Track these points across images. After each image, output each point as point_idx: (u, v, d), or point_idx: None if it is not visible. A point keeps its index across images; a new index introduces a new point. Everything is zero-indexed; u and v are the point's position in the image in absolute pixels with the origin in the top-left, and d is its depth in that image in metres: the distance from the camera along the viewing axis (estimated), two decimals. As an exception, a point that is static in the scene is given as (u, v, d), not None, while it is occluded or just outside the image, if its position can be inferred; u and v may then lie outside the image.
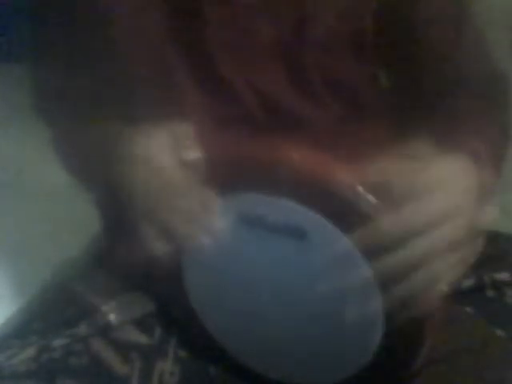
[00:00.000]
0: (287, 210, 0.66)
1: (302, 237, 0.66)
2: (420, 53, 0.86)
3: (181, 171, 0.70)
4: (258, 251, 0.70)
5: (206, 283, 0.74)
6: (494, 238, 0.90)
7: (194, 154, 0.69)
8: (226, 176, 0.68)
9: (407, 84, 0.88)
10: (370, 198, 0.64)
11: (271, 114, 0.85)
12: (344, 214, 0.64)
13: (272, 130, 0.84)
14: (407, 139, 0.81)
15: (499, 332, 0.80)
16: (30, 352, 0.77)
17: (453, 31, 0.86)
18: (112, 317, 0.81)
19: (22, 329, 0.81)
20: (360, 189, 0.64)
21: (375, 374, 0.70)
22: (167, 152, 0.71)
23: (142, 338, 0.81)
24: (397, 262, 0.65)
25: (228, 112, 0.85)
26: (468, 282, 0.85)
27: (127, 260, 0.83)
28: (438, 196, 0.68)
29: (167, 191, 0.72)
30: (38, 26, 0.90)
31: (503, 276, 0.85)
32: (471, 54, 0.87)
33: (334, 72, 0.85)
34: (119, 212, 0.77)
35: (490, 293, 0.84)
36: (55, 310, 0.83)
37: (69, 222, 1.57)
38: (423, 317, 0.67)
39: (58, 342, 0.78)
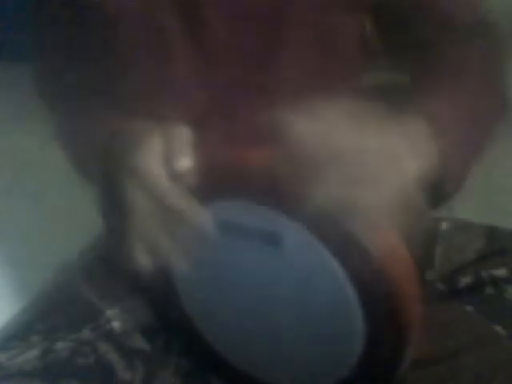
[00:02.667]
0: (262, 216, 0.66)
1: (278, 242, 0.67)
2: (408, 3, 0.84)
3: (170, 184, 0.68)
4: (239, 258, 0.70)
5: (196, 291, 0.75)
6: (491, 234, 0.90)
7: (186, 162, 0.68)
8: (204, 184, 0.68)
9: (392, 34, 0.87)
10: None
11: (249, 73, 0.83)
12: (320, 219, 0.64)
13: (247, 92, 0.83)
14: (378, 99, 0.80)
15: (499, 330, 0.80)
16: (33, 353, 0.77)
17: None
18: (116, 324, 0.81)
19: (25, 329, 0.81)
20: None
21: (362, 378, 0.71)
22: (157, 162, 0.68)
23: (145, 346, 0.81)
24: None
25: (210, 66, 0.83)
26: (466, 280, 0.85)
27: (129, 262, 0.83)
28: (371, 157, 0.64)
29: (152, 203, 0.69)
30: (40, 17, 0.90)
31: (502, 272, 0.85)
32: (458, 3, 0.85)
33: (324, 27, 0.84)
34: (120, 211, 0.77)
35: (489, 290, 0.84)
36: (58, 311, 0.83)
37: (69, 222, 1.58)
38: (404, 317, 0.66)
39: (61, 345, 0.78)
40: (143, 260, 0.70)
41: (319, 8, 0.83)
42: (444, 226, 0.93)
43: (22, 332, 0.81)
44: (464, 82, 0.81)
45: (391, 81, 0.90)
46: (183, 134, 0.69)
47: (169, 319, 0.80)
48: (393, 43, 0.88)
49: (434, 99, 0.76)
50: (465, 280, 0.85)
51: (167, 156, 0.68)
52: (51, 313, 0.83)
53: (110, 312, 0.82)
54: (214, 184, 0.68)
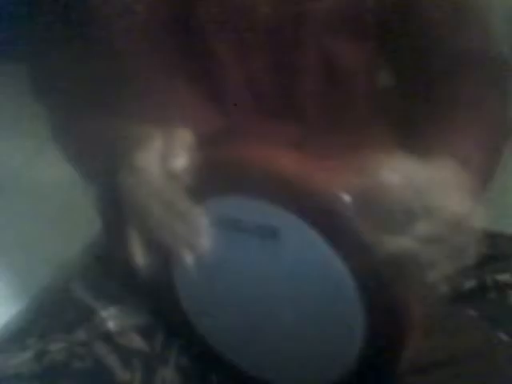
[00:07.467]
0: (261, 210, 0.66)
1: (277, 237, 0.66)
2: (420, 35, 0.85)
3: (167, 182, 0.69)
4: (238, 254, 0.70)
5: (195, 288, 0.74)
6: (495, 239, 0.89)
7: (182, 162, 0.69)
8: (203, 180, 0.68)
9: (406, 72, 0.88)
10: (345, 197, 0.64)
11: (258, 99, 0.84)
12: (319, 213, 0.64)
13: (253, 119, 0.84)
14: (396, 136, 0.80)
15: (502, 335, 0.79)
16: (28, 355, 0.77)
17: (452, 11, 0.85)
18: (111, 324, 0.80)
19: (20, 332, 0.81)
20: (334, 188, 0.64)
21: (361, 375, 0.70)
22: (156, 161, 0.69)
23: (143, 345, 0.80)
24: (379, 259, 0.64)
25: (213, 95, 0.83)
26: (470, 284, 0.84)
27: (126, 261, 0.83)
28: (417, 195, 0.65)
29: (152, 202, 0.70)
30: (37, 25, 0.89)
31: (505, 277, 0.84)
32: (471, 35, 0.86)
33: (332, 55, 0.84)
34: (118, 209, 0.77)
35: (493, 294, 0.84)
36: (53, 313, 0.82)
37: (68, 223, 1.57)
38: (404, 315, 0.66)
39: (56, 346, 0.78)
40: (142, 257, 0.71)
41: (329, 33, 0.83)
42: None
43: (17, 334, 0.80)
44: (480, 114, 0.83)
45: (401, 111, 0.90)
46: (183, 135, 0.70)
47: (168, 317, 0.80)
48: (405, 74, 0.89)
49: (462, 138, 0.78)
50: (468, 284, 0.84)
51: (165, 155, 0.69)
52: (45, 314, 0.83)
53: (105, 312, 0.82)
54: (215, 179, 0.68)
